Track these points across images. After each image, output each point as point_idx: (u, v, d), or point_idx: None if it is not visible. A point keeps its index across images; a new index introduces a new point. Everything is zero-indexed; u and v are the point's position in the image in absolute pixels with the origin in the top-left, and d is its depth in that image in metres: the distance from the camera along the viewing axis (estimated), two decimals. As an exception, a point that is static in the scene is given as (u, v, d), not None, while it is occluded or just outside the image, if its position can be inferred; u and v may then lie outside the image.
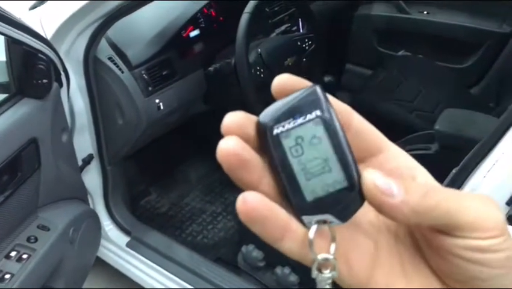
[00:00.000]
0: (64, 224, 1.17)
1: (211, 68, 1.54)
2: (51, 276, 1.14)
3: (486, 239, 0.23)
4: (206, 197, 1.91)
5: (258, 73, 1.43)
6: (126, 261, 1.55)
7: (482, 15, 1.81)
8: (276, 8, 1.71)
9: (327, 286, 0.26)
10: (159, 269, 1.47)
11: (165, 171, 1.96)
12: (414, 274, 0.26)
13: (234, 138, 0.24)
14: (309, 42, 1.56)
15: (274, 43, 1.53)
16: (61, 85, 1.19)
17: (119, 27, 1.34)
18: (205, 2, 1.58)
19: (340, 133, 0.25)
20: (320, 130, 0.24)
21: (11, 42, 1.03)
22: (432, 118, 1.42)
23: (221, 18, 1.63)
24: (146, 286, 1.51)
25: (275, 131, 0.25)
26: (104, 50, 1.36)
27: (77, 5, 1.19)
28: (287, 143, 0.25)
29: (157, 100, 1.43)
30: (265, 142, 0.25)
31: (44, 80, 1.07)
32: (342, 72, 2.13)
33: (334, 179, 0.25)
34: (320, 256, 0.25)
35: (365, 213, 0.27)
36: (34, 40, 1.02)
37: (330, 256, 0.25)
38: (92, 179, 1.50)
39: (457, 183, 0.80)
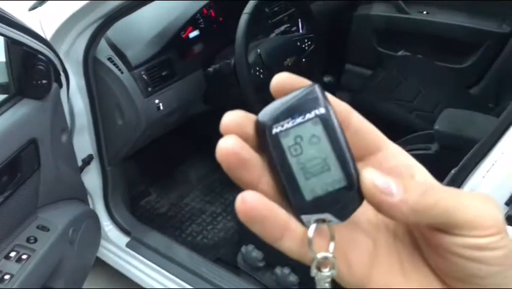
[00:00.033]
0: (63, 225, 1.17)
1: (210, 69, 1.53)
2: (51, 277, 1.14)
3: (484, 237, 0.23)
4: (206, 198, 1.91)
5: (257, 73, 1.43)
6: (125, 261, 1.55)
7: (482, 15, 1.81)
8: (275, 9, 1.71)
9: (327, 285, 0.26)
10: (159, 269, 1.47)
11: (165, 172, 1.96)
12: (412, 272, 0.27)
13: (233, 137, 0.24)
14: (309, 42, 1.56)
15: (274, 43, 1.53)
16: (60, 85, 1.19)
17: (119, 27, 1.34)
18: (205, 2, 1.57)
19: (339, 132, 0.25)
20: (319, 130, 0.24)
21: (10, 43, 1.03)
22: (431, 118, 1.42)
23: (220, 18, 1.63)
24: (145, 287, 1.51)
25: (274, 130, 0.25)
26: (104, 50, 1.36)
27: (76, 6, 1.19)
28: (286, 142, 0.25)
29: (157, 101, 1.43)
30: (264, 141, 0.25)
31: (44, 81, 1.07)
32: (342, 72, 2.13)
33: (333, 178, 0.25)
34: (319, 255, 0.25)
35: (364, 212, 0.27)
36: (34, 40, 1.02)
37: (330, 255, 0.25)
38: (92, 179, 1.50)
39: (456, 183, 0.80)
